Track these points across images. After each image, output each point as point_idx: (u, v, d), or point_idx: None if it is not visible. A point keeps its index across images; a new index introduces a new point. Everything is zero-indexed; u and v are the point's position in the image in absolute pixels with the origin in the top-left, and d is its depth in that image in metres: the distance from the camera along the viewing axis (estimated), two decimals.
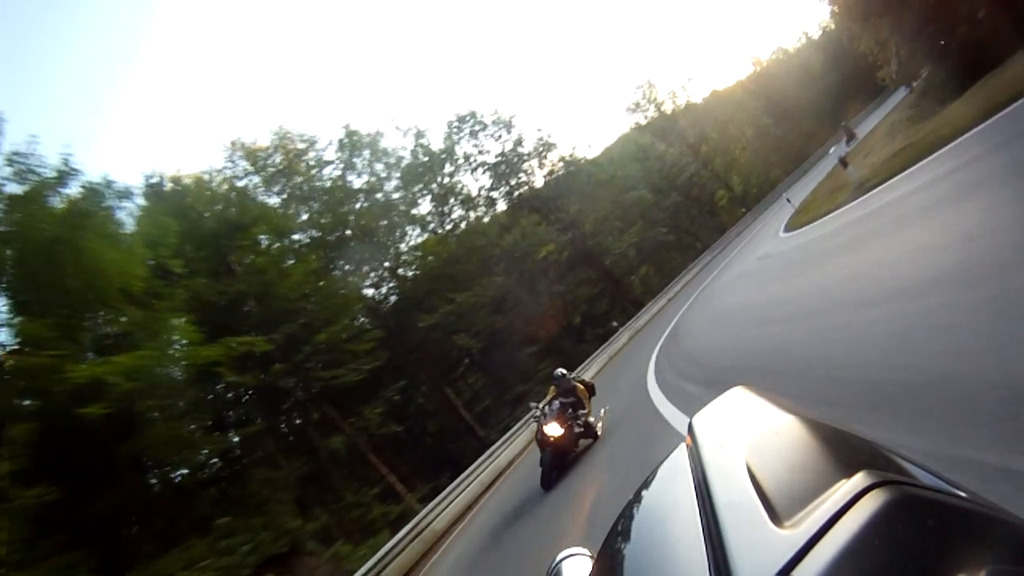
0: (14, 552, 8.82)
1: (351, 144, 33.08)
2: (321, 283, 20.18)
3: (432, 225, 35.42)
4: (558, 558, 0.96)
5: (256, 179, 26.97)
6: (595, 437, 8.10)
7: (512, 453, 14.09)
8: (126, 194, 14.46)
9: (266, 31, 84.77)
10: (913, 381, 2.58)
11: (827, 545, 0.35)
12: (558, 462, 7.69)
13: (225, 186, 23.27)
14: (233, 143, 26.57)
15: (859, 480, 0.40)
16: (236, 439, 13.69)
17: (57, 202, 13.60)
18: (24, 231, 12.51)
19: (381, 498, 19.83)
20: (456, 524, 10.91)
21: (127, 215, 14.93)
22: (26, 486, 9.14)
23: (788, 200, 23.45)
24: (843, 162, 14.52)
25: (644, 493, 0.69)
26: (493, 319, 29.15)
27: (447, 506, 11.46)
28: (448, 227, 35.36)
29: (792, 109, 39.58)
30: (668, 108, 43.56)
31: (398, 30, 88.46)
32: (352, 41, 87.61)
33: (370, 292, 29.36)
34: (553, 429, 7.64)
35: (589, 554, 0.93)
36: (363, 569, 9.68)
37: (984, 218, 4.18)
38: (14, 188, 13.06)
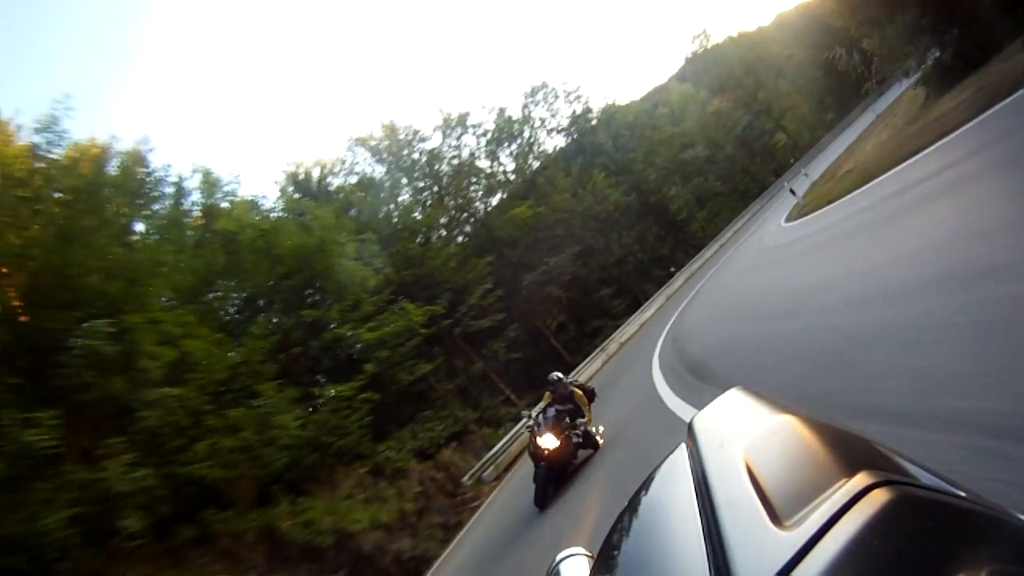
0: (362, 428, 18.31)
1: (447, 126, 40.60)
2: (455, 259, 29.15)
3: (516, 180, 42.76)
4: (557, 558, 0.95)
5: (375, 165, 36.22)
6: (596, 447, 7.38)
7: (586, 376, 22.10)
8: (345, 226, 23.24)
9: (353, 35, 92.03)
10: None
11: (827, 545, 0.34)
12: (554, 477, 6.96)
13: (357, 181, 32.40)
14: (352, 137, 36.04)
15: (859, 480, 0.40)
16: (426, 367, 22.98)
17: (296, 227, 22.39)
18: (278, 250, 20.93)
19: (504, 404, 29.24)
20: None
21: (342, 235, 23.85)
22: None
23: (806, 175, 26.17)
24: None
25: (644, 493, 0.70)
26: (575, 268, 36.64)
27: None
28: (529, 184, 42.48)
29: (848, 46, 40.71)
30: (724, 48, 46.06)
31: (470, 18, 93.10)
32: (426, 34, 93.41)
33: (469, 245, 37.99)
34: (548, 441, 6.85)
35: (588, 554, 0.94)
36: (503, 440, 17.48)
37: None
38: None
